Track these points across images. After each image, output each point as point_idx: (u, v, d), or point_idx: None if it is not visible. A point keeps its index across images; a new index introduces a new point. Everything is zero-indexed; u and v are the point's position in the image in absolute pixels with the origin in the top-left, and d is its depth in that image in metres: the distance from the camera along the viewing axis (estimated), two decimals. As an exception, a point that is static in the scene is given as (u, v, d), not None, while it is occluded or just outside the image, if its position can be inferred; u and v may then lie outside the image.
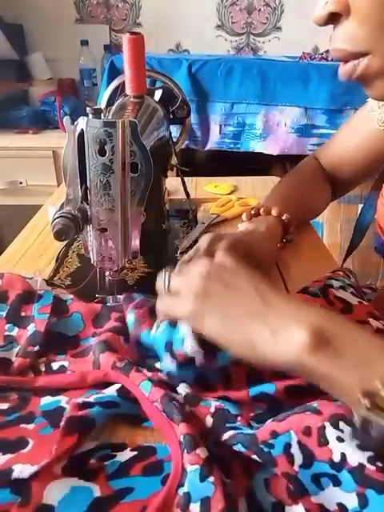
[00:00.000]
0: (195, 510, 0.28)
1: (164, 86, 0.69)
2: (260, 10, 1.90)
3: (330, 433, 0.32)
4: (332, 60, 1.57)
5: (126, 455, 0.34)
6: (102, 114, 0.41)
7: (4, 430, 0.35)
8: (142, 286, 0.57)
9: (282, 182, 0.74)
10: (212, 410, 0.36)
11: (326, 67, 1.39)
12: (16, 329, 0.46)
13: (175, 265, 0.48)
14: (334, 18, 0.40)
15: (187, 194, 0.76)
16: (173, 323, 0.41)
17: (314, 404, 0.34)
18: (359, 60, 0.40)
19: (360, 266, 1.42)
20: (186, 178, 0.77)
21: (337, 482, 0.30)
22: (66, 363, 0.42)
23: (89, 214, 0.45)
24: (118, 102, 0.61)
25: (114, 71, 1.40)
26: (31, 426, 0.36)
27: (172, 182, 0.82)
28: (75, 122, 0.42)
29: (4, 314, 0.47)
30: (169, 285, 0.43)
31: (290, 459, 0.31)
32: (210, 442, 0.33)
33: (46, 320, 0.45)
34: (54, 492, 0.30)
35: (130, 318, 0.45)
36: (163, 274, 0.44)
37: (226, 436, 0.33)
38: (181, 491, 0.30)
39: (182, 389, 0.39)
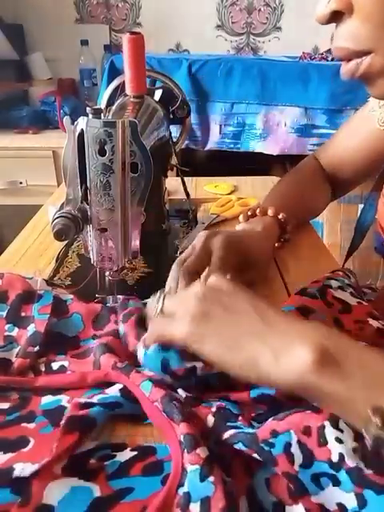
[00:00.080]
0: (195, 509, 0.28)
1: (164, 86, 0.69)
2: (260, 10, 1.90)
3: (329, 432, 0.32)
4: (332, 60, 1.57)
5: (125, 455, 0.34)
6: (102, 114, 0.41)
7: (5, 429, 0.35)
8: (141, 286, 0.57)
9: (281, 182, 0.75)
10: (213, 409, 0.36)
11: (326, 67, 1.39)
12: (16, 329, 0.46)
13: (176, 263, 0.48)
14: (336, 17, 0.39)
15: (187, 194, 0.76)
16: (164, 345, 0.39)
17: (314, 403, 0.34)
18: (362, 59, 0.40)
19: (360, 266, 1.42)
20: (186, 178, 0.77)
21: (336, 482, 0.30)
22: (66, 363, 0.42)
23: (89, 213, 0.45)
24: (118, 102, 0.61)
25: (114, 71, 1.40)
26: (32, 425, 0.36)
27: (172, 182, 0.82)
28: (75, 122, 0.42)
29: (4, 314, 0.47)
30: (162, 306, 0.41)
31: (291, 459, 0.31)
32: (210, 441, 0.33)
33: (46, 320, 0.45)
34: (54, 492, 0.30)
35: (120, 329, 0.45)
36: (157, 296, 0.42)
37: (226, 435, 0.33)
38: (181, 491, 0.30)
39: (182, 392, 0.39)
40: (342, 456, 0.30)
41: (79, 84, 1.89)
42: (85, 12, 1.93)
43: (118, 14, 1.93)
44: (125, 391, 0.38)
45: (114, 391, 0.38)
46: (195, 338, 0.36)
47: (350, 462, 0.30)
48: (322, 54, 1.67)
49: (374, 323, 0.46)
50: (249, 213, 0.65)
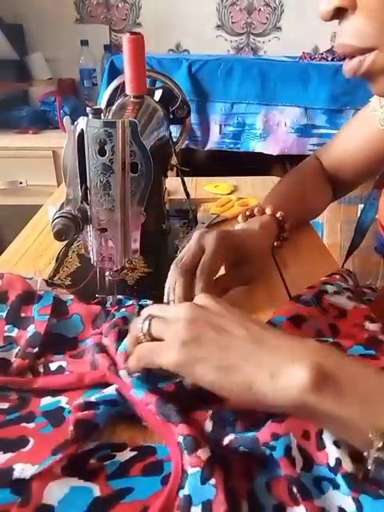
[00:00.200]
0: None
1: (164, 86, 0.69)
2: (260, 10, 1.90)
3: (327, 436, 0.32)
4: (332, 60, 1.57)
5: (125, 455, 0.34)
6: (102, 114, 0.41)
7: (4, 428, 0.36)
8: (141, 286, 0.57)
9: (281, 182, 0.75)
10: (210, 413, 0.36)
11: (326, 67, 1.39)
12: (16, 330, 0.46)
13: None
14: (339, 13, 0.39)
15: (187, 194, 0.76)
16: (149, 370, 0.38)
17: None
18: (365, 55, 0.40)
19: (360, 266, 1.42)
20: (186, 178, 0.77)
21: (336, 486, 0.30)
22: (63, 363, 0.42)
23: (89, 213, 0.45)
24: (118, 101, 0.61)
25: (114, 71, 1.41)
26: (31, 425, 0.36)
27: (172, 182, 0.82)
28: (75, 122, 0.42)
29: (4, 314, 0.47)
30: (148, 329, 0.38)
31: (292, 462, 0.31)
32: (210, 445, 0.33)
33: (46, 322, 0.45)
34: (54, 492, 0.30)
35: (104, 341, 0.44)
36: (142, 317, 0.39)
37: (226, 440, 0.33)
38: (181, 493, 0.30)
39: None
40: (338, 460, 0.30)
41: (79, 84, 1.89)
42: (85, 12, 1.93)
43: (118, 14, 1.93)
44: (120, 391, 0.38)
45: (110, 390, 0.38)
46: (186, 365, 0.34)
47: (347, 467, 0.30)
48: (322, 53, 1.67)
49: (371, 326, 0.45)
50: (247, 213, 0.65)
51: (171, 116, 0.69)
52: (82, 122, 0.41)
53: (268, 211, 0.63)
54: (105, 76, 1.44)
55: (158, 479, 0.32)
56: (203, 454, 0.31)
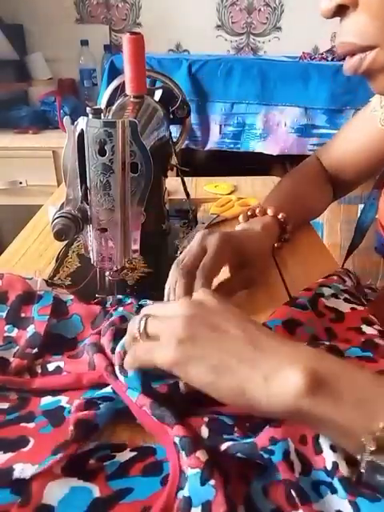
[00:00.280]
0: None
1: (164, 86, 0.69)
2: (260, 10, 1.90)
3: (324, 441, 0.32)
4: (332, 60, 1.57)
5: (125, 455, 0.34)
6: (102, 114, 0.41)
7: (4, 428, 0.35)
8: (141, 286, 0.57)
9: (282, 182, 0.75)
10: (206, 419, 0.35)
11: (326, 67, 1.39)
12: (16, 330, 0.46)
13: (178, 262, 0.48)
14: (341, 11, 0.39)
15: (187, 194, 0.76)
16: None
17: None
18: (366, 53, 0.40)
19: (360, 266, 1.42)
20: (186, 178, 0.77)
21: (334, 490, 0.30)
22: (61, 364, 0.42)
23: (89, 213, 0.45)
24: (118, 101, 0.61)
25: (114, 71, 1.40)
26: (31, 425, 0.36)
27: (172, 182, 0.82)
28: (75, 122, 0.42)
29: (4, 314, 0.47)
30: (145, 328, 0.37)
31: (290, 466, 0.31)
32: (206, 451, 0.33)
33: (46, 322, 0.45)
34: (54, 492, 0.30)
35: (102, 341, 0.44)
36: (139, 317, 0.39)
37: (224, 446, 0.32)
38: (180, 495, 0.30)
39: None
40: (335, 464, 0.30)
41: (79, 84, 1.89)
42: (85, 12, 1.93)
43: (118, 14, 1.93)
44: (116, 392, 0.38)
45: (108, 389, 0.38)
46: (181, 364, 0.34)
47: (344, 470, 0.30)
48: (322, 53, 1.67)
49: (368, 330, 0.45)
50: (248, 213, 0.65)
51: (171, 116, 0.69)
52: (81, 122, 0.41)
53: (270, 212, 0.63)
54: (105, 76, 1.44)
55: (158, 480, 0.32)
56: (202, 455, 0.31)
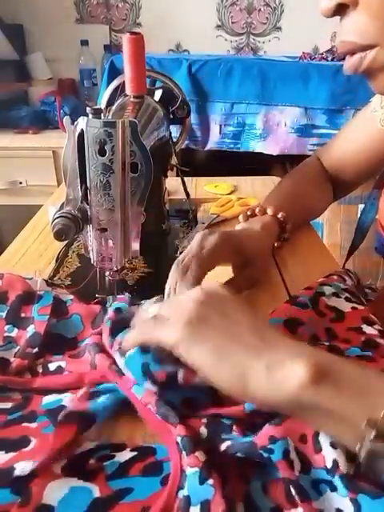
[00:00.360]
0: None
1: (164, 86, 0.69)
2: (260, 10, 1.90)
3: (324, 439, 0.32)
4: (332, 60, 1.57)
5: (125, 455, 0.34)
6: (102, 114, 0.41)
7: (6, 428, 0.35)
8: (141, 286, 0.57)
9: (282, 182, 0.75)
10: (204, 420, 0.35)
11: (326, 67, 1.39)
12: (16, 330, 0.46)
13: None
14: (341, 10, 0.39)
15: (187, 194, 0.76)
16: (144, 348, 0.37)
17: None
18: (366, 52, 0.40)
19: (360, 266, 1.42)
20: (186, 178, 0.77)
21: (333, 488, 0.30)
22: (63, 364, 0.42)
23: (89, 213, 0.45)
24: (118, 102, 0.61)
25: (114, 71, 1.41)
26: (34, 425, 0.36)
27: (172, 182, 0.82)
28: (75, 122, 0.42)
29: (4, 314, 0.47)
30: (156, 310, 0.38)
31: (290, 465, 0.31)
32: (205, 451, 0.32)
33: (46, 322, 0.45)
34: (54, 492, 0.30)
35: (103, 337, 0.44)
36: (153, 300, 0.39)
37: (223, 446, 0.32)
38: (181, 494, 0.30)
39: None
40: (335, 462, 0.30)
41: (79, 84, 1.89)
42: (85, 12, 1.93)
43: (118, 14, 1.93)
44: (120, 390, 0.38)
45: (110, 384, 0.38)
46: (186, 342, 0.34)
47: (344, 468, 0.30)
48: (322, 53, 1.67)
49: (368, 329, 0.45)
50: (248, 212, 0.65)
51: (171, 116, 0.69)
52: (81, 122, 0.41)
53: (269, 212, 0.63)
54: (105, 76, 1.44)
55: (158, 480, 0.32)
56: (201, 454, 0.31)
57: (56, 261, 0.63)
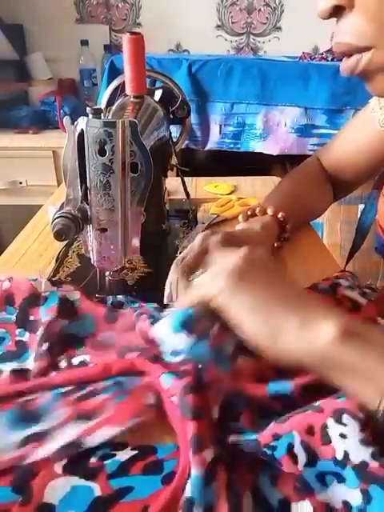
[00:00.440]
0: None
1: (164, 86, 0.69)
2: (260, 10, 1.90)
3: (333, 430, 0.32)
4: (332, 60, 1.57)
5: (126, 454, 0.34)
6: (102, 114, 0.41)
7: (82, 402, 0.36)
8: (141, 286, 0.57)
9: (282, 182, 0.75)
10: (220, 400, 0.36)
11: (326, 67, 1.39)
12: (27, 334, 0.45)
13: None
14: (337, 11, 0.40)
15: (187, 194, 0.76)
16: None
17: (316, 403, 0.34)
18: (362, 54, 0.40)
19: (360, 266, 1.42)
20: (186, 178, 0.77)
21: (341, 479, 0.30)
22: (87, 357, 0.41)
23: (89, 213, 0.45)
24: (118, 101, 0.61)
25: (114, 71, 1.41)
26: (105, 396, 0.37)
27: (172, 182, 0.82)
28: (75, 122, 0.42)
29: (13, 317, 0.47)
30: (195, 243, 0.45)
31: (294, 459, 0.31)
32: (215, 441, 0.33)
33: (54, 318, 0.44)
34: (55, 491, 0.30)
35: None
36: (190, 234, 0.44)
37: (231, 439, 0.33)
38: (183, 496, 0.30)
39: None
40: (346, 453, 0.30)
41: (79, 84, 1.89)
42: (85, 12, 1.93)
43: (118, 14, 1.93)
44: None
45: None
46: (227, 291, 0.37)
47: (356, 458, 0.30)
48: (322, 53, 1.67)
49: (383, 322, 0.46)
50: (248, 212, 0.65)
51: (171, 116, 0.69)
52: (81, 122, 0.41)
53: (269, 212, 0.63)
54: (105, 76, 1.44)
55: (159, 479, 0.32)
56: (208, 454, 0.31)
57: (56, 261, 0.63)
